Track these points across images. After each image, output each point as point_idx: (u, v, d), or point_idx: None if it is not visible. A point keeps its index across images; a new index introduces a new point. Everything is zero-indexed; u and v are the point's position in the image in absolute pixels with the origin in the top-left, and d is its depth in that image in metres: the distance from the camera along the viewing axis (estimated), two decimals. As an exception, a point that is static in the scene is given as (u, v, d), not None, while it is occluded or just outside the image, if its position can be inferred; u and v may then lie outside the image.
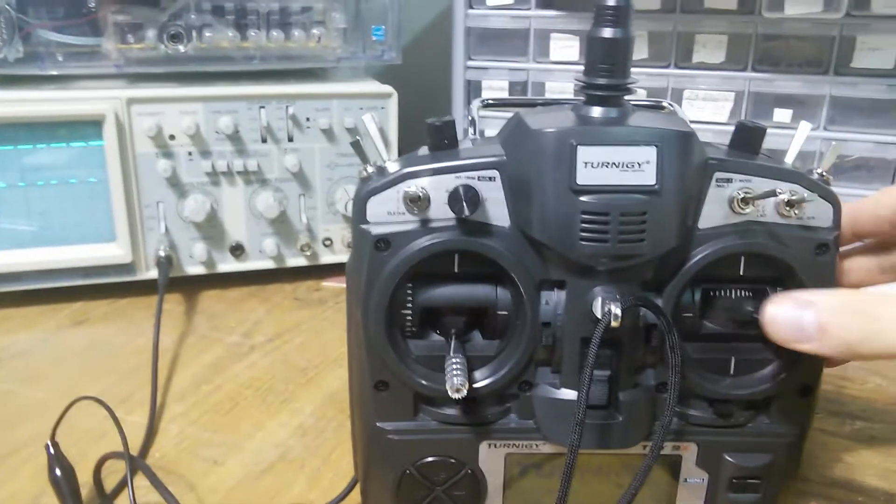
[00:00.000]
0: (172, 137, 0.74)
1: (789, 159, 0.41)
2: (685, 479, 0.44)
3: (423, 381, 0.41)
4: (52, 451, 0.47)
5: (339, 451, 0.54)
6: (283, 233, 0.80)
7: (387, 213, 0.39)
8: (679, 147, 0.36)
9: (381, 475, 0.44)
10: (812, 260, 0.40)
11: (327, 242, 0.82)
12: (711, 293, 0.41)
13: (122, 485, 0.50)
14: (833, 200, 0.40)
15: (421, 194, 0.38)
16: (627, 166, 0.36)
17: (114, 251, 0.75)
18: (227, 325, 0.74)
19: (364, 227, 0.39)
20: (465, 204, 0.37)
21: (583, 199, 0.36)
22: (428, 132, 0.40)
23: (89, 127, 0.71)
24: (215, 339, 0.71)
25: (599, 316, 0.37)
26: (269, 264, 0.81)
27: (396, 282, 0.39)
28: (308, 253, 0.81)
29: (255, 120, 0.75)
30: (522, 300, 0.39)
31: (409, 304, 0.40)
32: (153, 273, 0.76)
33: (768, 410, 0.43)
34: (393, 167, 0.39)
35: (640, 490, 0.38)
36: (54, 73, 0.73)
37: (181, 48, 0.75)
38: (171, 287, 0.78)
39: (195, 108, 0.73)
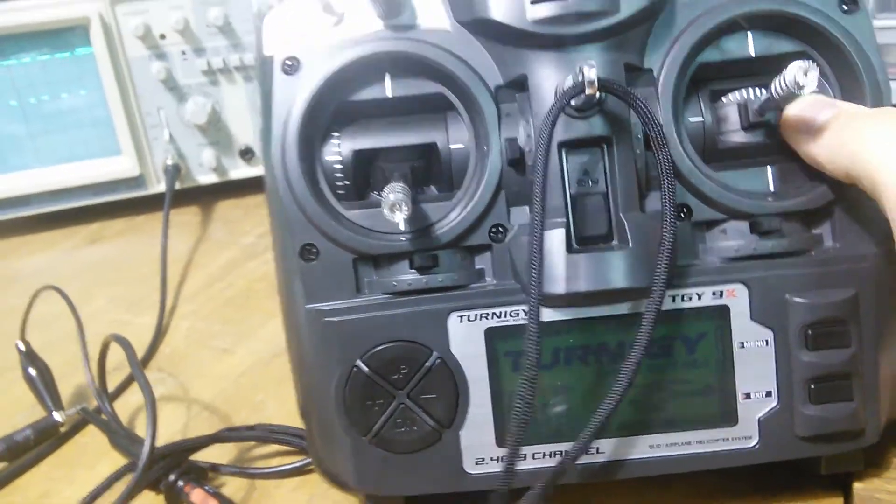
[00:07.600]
0: (163, 37, 0.70)
1: None
2: (741, 345, 0.32)
3: (361, 236, 0.32)
4: (22, 348, 0.44)
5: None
6: (294, 131, 0.76)
7: (295, 35, 0.33)
8: None
9: (320, 379, 0.33)
10: (839, 18, 0.32)
11: (341, 137, 0.77)
12: (723, 97, 0.34)
13: (126, 382, 0.48)
14: None
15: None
16: None
17: (121, 164, 0.72)
18: (242, 229, 0.70)
19: (267, 55, 0.33)
20: None
21: None
22: None
23: (75, 33, 0.68)
24: (230, 243, 0.68)
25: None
26: (282, 166, 0.77)
27: (313, 109, 0.32)
28: (322, 150, 0.77)
29: (247, 9, 0.70)
30: (479, 117, 0.32)
31: (339, 155, 0.33)
32: (164, 186, 0.73)
33: (834, 228, 0.33)
34: None
35: (646, 349, 0.29)
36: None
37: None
38: (187, 198, 0.75)
39: (181, 3, 0.69)
